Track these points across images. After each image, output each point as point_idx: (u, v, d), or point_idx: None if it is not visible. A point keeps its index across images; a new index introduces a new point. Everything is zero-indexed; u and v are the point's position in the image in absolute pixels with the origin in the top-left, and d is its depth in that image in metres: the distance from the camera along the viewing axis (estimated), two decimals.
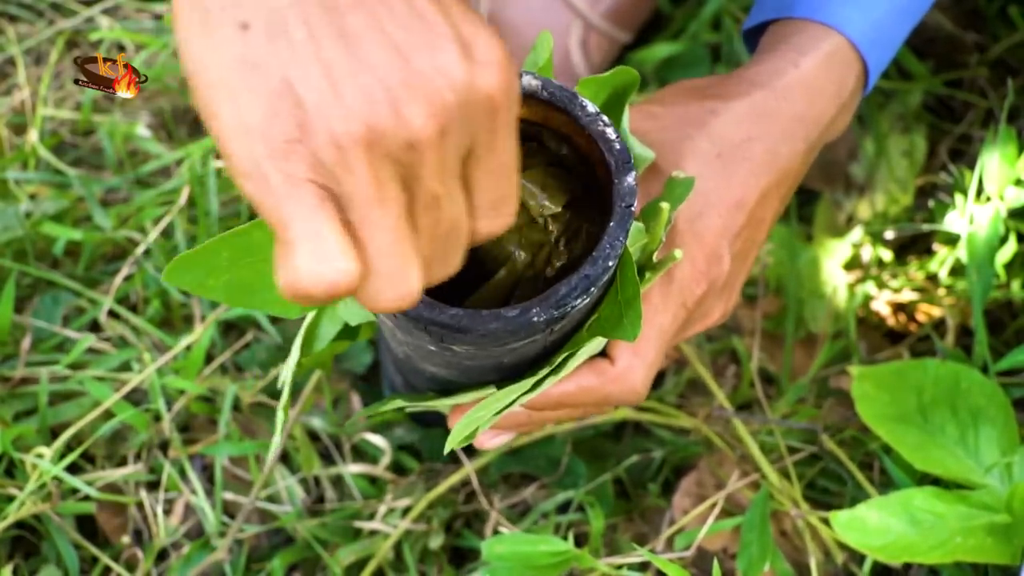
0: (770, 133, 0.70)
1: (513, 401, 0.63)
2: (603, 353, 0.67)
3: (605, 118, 0.56)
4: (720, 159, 0.69)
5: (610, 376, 0.66)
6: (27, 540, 0.89)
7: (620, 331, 0.57)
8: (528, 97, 0.56)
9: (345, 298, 0.65)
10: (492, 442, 0.75)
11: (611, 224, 0.55)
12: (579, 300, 0.54)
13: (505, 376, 0.62)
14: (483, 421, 0.64)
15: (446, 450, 0.63)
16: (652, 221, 0.61)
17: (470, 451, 0.94)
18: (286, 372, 0.67)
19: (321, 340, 0.67)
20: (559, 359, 0.61)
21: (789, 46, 0.72)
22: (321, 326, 0.67)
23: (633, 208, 0.55)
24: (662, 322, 0.66)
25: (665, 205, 0.60)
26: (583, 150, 0.59)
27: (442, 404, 0.66)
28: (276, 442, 0.68)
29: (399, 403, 0.67)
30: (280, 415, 0.67)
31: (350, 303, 0.66)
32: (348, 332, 0.68)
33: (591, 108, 0.56)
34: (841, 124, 0.76)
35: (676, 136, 0.69)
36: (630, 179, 0.55)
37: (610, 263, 0.54)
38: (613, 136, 0.55)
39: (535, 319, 0.54)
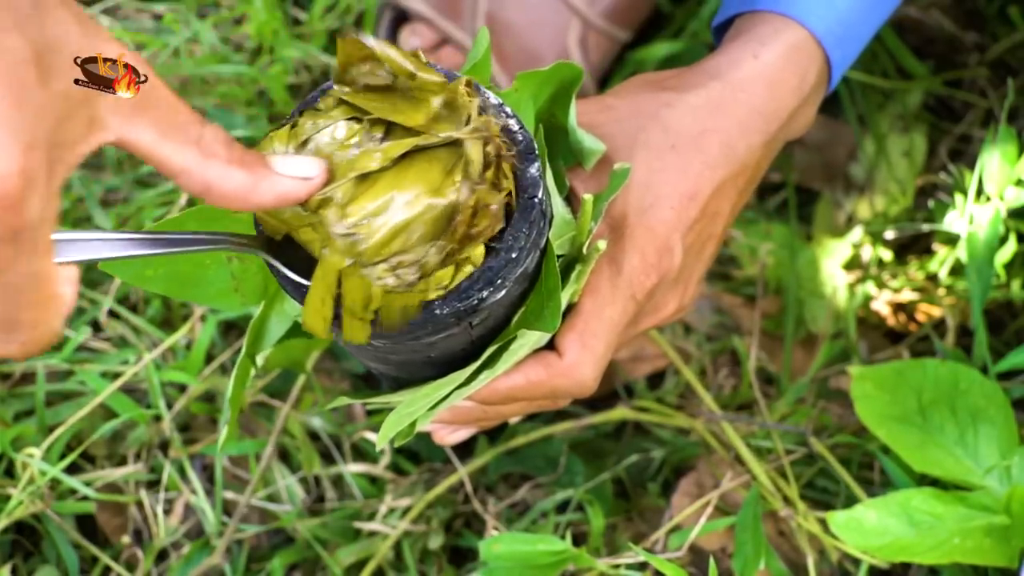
0: (726, 125, 0.70)
1: (448, 395, 0.62)
2: (553, 346, 0.67)
3: (508, 109, 0.55)
4: (674, 151, 0.69)
5: (558, 369, 0.66)
6: (26, 540, 0.89)
7: (541, 323, 0.57)
8: None
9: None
10: (451, 437, 0.75)
11: (515, 215, 0.54)
12: (484, 292, 0.53)
13: (442, 371, 0.62)
14: (418, 415, 0.63)
15: (379, 446, 0.62)
16: (578, 213, 0.61)
17: (466, 452, 0.94)
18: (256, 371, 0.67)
19: (269, 337, 0.66)
20: (489, 352, 0.61)
21: (749, 37, 0.72)
22: (269, 322, 0.66)
23: (537, 199, 0.54)
24: (611, 315, 0.66)
25: (588, 196, 0.60)
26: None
27: (391, 400, 0.65)
28: (223, 435, 0.67)
29: (345, 400, 0.66)
30: (227, 411, 0.66)
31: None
32: (301, 329, 0.66)
33: (494, 99, 0.55)
34: (804, 119, 0.75)
35: (630, 128, 0.69)
36: (533, 170, 0.54)
37: (513, 255, 0.53)
38: (516, 127, 0.55)
39: (437, 311, 0.53)
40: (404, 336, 0.55)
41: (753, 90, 0.71)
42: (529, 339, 0.62)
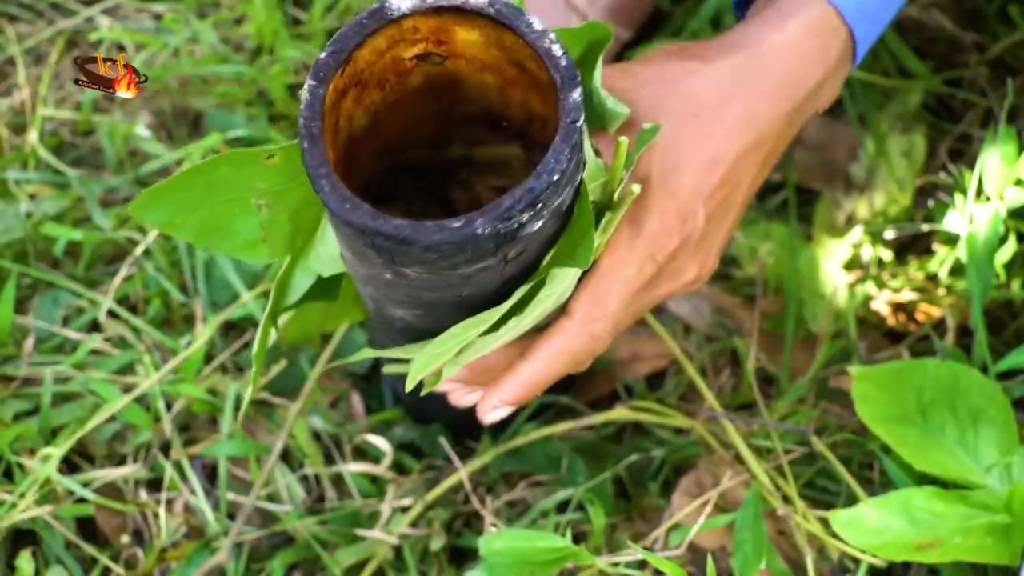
0: (749, 95, 0.70)
1: (475, 340, 0.62)
2: (565, 312, 0.67)
3: (552, 35, 0.55)
4: (696, 118, 0.69)
5: (570, 330, 0.67)
6: (29, 539, 0.89)
7: (573, 259, 0.57)
8: (475, 15, 0.55)
9: (318, 247, 0.65)
10: (467, 399, 0.75)
11: (556, 139, 0.54)
12: (525, 216, 0.53)
13: (470, 316, 0.62)
14: (445, 357, 0.63)
15: (408, 386, 0.62)
16: (612, 158, 0.61)
17: (467, 451, 0.94)
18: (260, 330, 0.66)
19: (294, 292, 0.65)
20: (520, 293, 0.61)
21: (774, 11, 0.73)
22: (294, 276, 0.65)
23: (579, 124, 0.54)
24: (627, 274, 0.67)
25: (623, 138, 0.60)
26: (534, 76, 0.58)
27: (413, 350, 0.65)
28: (248, 395, 0.66)
29: (369, 353, 0.66)
30: (254, 368, 0.65)
31: (322, 254, 0.65)
32: (324, 288, 0.66)
33: (538, 25, 0.55)
34: (828, 92, 0.76)
35: (653, 94, 0.70)
36: (575, 95, 0.54)
37: (555, 177, 0.53)
38: (559, 52, 0.55)
39: (479, 231, 0.52)
40: (443, 261, 0.55)
41: (776, 62, 0.71)
42: (556, 288, 0.62)
